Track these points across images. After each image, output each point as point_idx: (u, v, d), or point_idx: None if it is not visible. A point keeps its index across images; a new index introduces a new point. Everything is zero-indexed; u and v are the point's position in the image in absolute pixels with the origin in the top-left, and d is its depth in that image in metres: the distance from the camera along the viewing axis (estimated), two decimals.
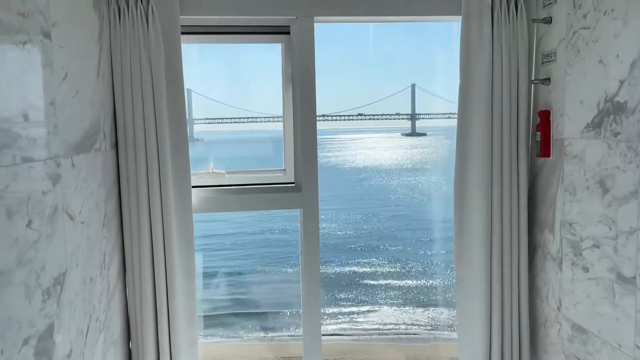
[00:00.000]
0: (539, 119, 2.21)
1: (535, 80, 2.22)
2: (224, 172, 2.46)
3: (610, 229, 1.75)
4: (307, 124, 2.28)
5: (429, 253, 9.79)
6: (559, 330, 2.13)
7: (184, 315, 2.14)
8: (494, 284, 2.28)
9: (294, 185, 2.45)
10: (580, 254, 1.96)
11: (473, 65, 2.17)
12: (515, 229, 2.26)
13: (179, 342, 2.13)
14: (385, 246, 10.21)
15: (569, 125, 2.04)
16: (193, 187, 2.25)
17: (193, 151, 2.27)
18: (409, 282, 8.40)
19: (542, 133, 2.20)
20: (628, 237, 1.66)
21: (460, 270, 2.34)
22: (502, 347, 2.28)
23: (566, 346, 2.07)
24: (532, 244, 2.32)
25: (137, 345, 2.13)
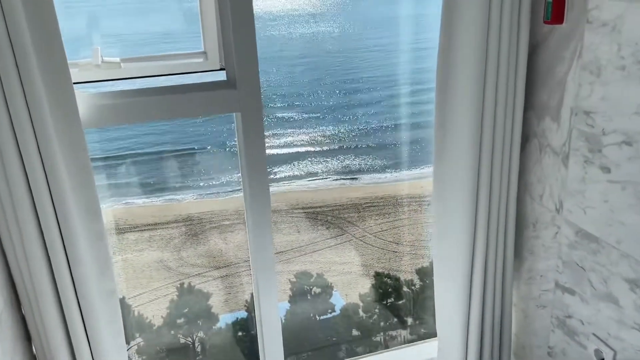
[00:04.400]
0: None
1: None
2: (118, 60, 1.73)
3: None
4: None
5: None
6: (556, 234, 1.98)
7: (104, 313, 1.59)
8: (481, 177, 1.94)
9: (225, 78, 1.79)
10: (600, 151, 1.70)
11: None
12: (510, 114, 1.88)
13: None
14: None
15: None
16: (75, 84, 1.51)
17: (65, 26, 1.50)
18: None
19: None
20: None
21: (439, 163, 1.99)
22: (487, 247, 2.07)
23: (565, 252, 1.93)
24: (523, 132, 2.02)
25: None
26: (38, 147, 1.37)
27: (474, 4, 1.66)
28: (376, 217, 6.04)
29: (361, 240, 5.84)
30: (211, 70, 1.84)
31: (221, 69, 1.81)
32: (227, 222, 5.74)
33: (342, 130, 8.99)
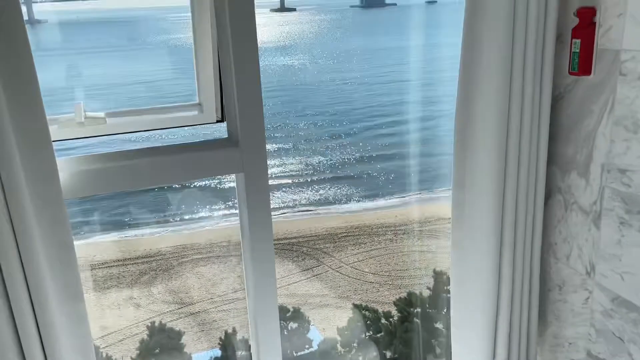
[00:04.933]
0: (577, 19, 1.63)
1: None
2: (103, 115, 1.53)
3: None
4: (240, 15, 1.37)
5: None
6: (587, 299, 1.81)
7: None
8: (504, 237, 1.76)
9: (221, 130, 1.58)
10: None
11: None
12: (534, 169, 1.70)
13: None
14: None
15: (633, 30, 1.48)
16: (55, 142, 1.24)
17: (41, 76, 1.29)
18: None
19: (584, 41, 1.60)
20: None
21: (458, 227, 1.80)
22: (511, 309, 1.89)
23: (598, 319, 1.74)
24: (546, 187, 1.85)
25: None
26: (12, 222, 1.15)
27: (495, 51, 1.57)
28: (352, 247, 5.99)
29: (337, 271, 5.76)
30: (206, 124, 1.67)
31: (218, 122, 1.63)
32: (199, 256, 5.60)
33: (316, 161, 8.96)
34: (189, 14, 1.54)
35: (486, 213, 1.74)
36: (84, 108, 1.49)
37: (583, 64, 1.62)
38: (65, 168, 1.33)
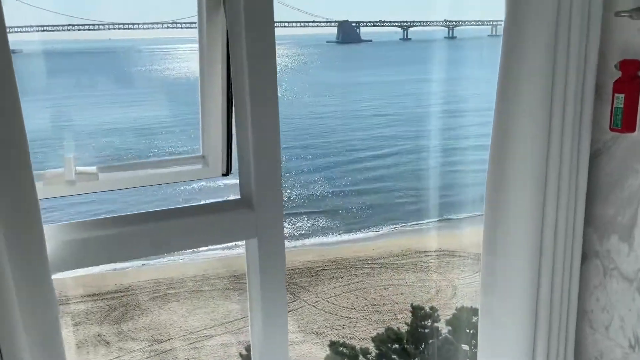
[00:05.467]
0: (619, 72, 1.47)
1: (621, 11, 1.49)
2: (95, 170, 1.34)
3: None
4: (259, 58, 1.21)
5: None
6: None
7: None
8: (539, 302, 1.59)
9: (240, 196, 1.34)
10: None
11: None
12: (571, 230, 1.55)
13: None
14: None
15: None
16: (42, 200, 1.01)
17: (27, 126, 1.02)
18: None
19: (628, 95, 1.45)
20: None
21: (489, 293, 1.63)
22: None
23: None
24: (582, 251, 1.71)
25: None
26: None
27: (532, 107, 1.47)
28: (329, 281, 5.91)
29: (314, 306, 5.65)
30: (211, 179, 1.47)
31: (223, 175, 1.45)
32: (172, 291, 5.43)
33: (293, 194, 8.92)
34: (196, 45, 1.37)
35: (520, 280, 1.58)
36: (74, 162, 1.28)
37: (627, 120, 1.50)
38: (53, 237, 1.16)
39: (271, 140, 1.28)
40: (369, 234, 6.97)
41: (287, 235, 7.37)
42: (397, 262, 5.93)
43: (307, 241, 6.88)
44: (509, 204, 1.55)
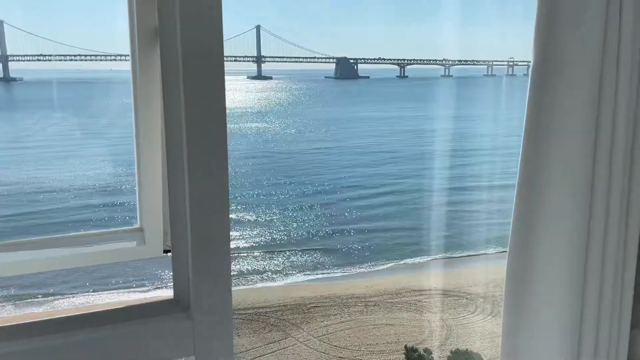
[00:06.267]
0: None
1: None
2: None
3: None
4: (207, 110, 0.82)
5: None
6: None
7: None
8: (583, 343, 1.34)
9: (173, 294, 0.93)
10: None
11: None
12: (615, 332, 1.32)
13: None
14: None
15: None
16: None
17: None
18: None
19: None
20: None
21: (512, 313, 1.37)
22: None
23: None
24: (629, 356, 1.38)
25: None
26: None
27: (570, 153, 1.27)
28: (321, 319, 5.76)
29: (305, 345, 5.49)
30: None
31: (165, 252, 1.05)
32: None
33: (291, 230, 8.80)
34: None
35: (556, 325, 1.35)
36: None
37: None
38: None
39: (217, 210, 0.89)
40: (363, 270, 6.86)
41: (280, 270, 7.22)
42: (391, 300, 5.81)
43: (299, 277, 6.76)
44: (537, 306, 1.30)
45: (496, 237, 7.57)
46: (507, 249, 1.35)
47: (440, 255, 7.21)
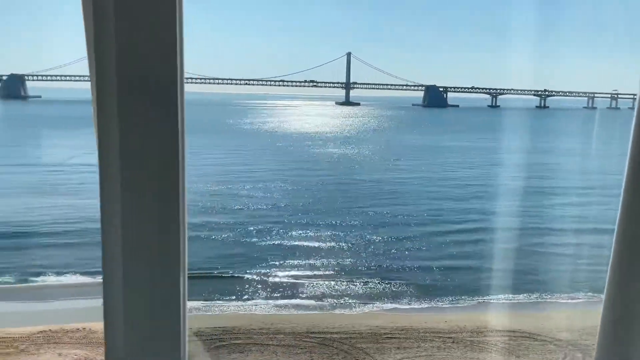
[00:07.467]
0: None
1: None
2: None
3: None
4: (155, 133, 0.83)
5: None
6: None
7: None
8: None
9: None
10: None
11: None
12: None
13: None
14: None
15: None
16: None
17: None
18: None
19: None
20: None
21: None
22: None
23: None
24: None
25: None
26: None
27: None
28: (396, 351, 5.57)
29: None
30: None
31: None
32: (23, 346, 5.05)
33: (369, 257, 8.70)
34: None
35: None
36: None
37: None
38: None
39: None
40: (443, 305, 6.61)
41: (357, 297, 7.16)
42: (470, 338, 5.53)
43: (376, 305, 6.65)
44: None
45: (586, 280, 7.04)
46: (603, 296, 1.23)
47: (524, 295, 6.79)
